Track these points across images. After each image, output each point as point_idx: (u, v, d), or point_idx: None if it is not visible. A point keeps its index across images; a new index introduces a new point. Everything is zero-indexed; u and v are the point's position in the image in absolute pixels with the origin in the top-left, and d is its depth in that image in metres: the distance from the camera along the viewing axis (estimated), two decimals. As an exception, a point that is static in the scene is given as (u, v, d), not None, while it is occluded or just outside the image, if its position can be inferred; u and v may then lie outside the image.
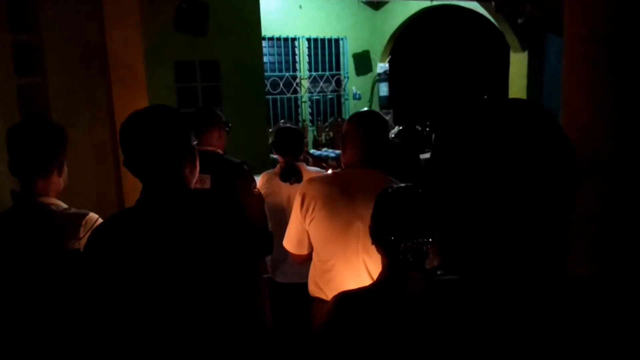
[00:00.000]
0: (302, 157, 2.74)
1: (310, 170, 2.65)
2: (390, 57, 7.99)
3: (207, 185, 2.21)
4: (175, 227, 1.22)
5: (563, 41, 1.87)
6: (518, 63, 6.55)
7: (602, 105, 1.75)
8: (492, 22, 6.34)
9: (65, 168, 1.65)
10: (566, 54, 1.83)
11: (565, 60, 1.83)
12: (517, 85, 6.59)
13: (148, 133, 1.24)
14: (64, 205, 1.61)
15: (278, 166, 2.69)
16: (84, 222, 1.55)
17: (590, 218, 1.79)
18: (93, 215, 1.58)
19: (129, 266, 1.20)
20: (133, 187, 2.54)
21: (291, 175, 2.59)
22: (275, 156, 2.74)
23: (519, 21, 5.96)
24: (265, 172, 2.80)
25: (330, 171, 2.76)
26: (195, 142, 1.35)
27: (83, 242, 1.52)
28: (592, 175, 1.78)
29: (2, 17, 2.18)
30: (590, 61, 1.76)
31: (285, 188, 2.61)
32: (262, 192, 2.66)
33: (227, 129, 2.56)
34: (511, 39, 6.37)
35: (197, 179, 1.38)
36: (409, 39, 7.96)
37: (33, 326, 1.54)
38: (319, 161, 3.28)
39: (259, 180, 2.76)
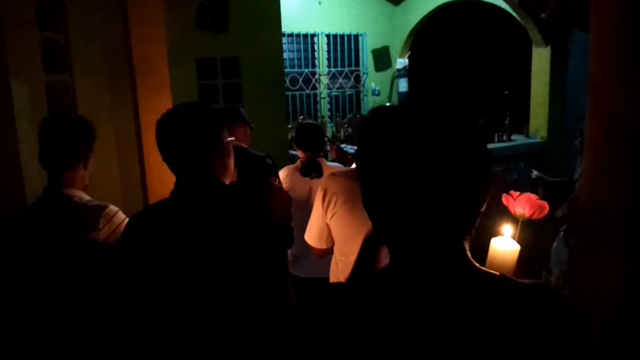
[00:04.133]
0: (322, 153, 2.76)
1: (331, 166, 2.67)
2: (409, 52, 7.93)
3: (234, 179, 2.25)
4: (202, 219, 1.26)
5: (588, 36, 1.85)
6: (540, 58, 6.42)
7: (629, 101, 1.72)
8: (514, 17, 6.24)
9: (91, 162, 1.70)
10: (592, 50, 1.80)
11: (590, 57, 1.81)
12: (540, 81, 6.47)
13: (174, 128, 1.29)
14: (87, 197, 1.67)
15: (299, 161, 2.72)
16: (103, 214, 1.60)
17: (616, 212, 1.78)
18: (113, 208, 1.64)
19: (159, 255, 1.24)
20: (157, 182, 2.60)
21: (312, 170, 2.61)
22: (294, 152, 2.76)
23: (542, 16, 5.85)
24: (286, 167, 2.83)
25: (354, 166, 2.77)
26: (228, 139, 1.39)
27: (102, 233, 1.57)
28: (618, 169, 1.76)
29: (32, 16, 2.24)
30: (617, 57, 1.73)
31: (306, 183, 2.63)
32: (283, 186, 2.68)
33: (250, 127, 2.65)
34: (534, 33, 6.26)
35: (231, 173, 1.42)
36: (429, 35, 7.88)
37: (52, 316, 1.59)
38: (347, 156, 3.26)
39: (279, 175, 2.78)
